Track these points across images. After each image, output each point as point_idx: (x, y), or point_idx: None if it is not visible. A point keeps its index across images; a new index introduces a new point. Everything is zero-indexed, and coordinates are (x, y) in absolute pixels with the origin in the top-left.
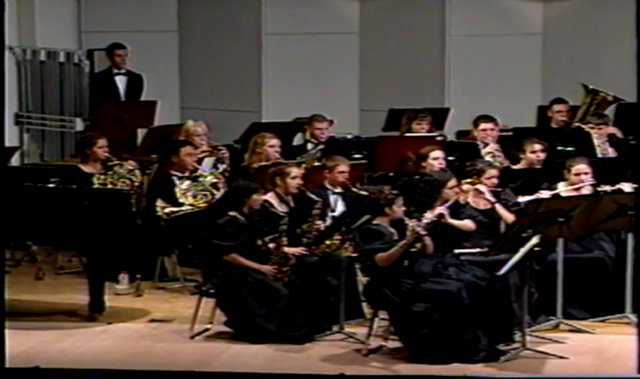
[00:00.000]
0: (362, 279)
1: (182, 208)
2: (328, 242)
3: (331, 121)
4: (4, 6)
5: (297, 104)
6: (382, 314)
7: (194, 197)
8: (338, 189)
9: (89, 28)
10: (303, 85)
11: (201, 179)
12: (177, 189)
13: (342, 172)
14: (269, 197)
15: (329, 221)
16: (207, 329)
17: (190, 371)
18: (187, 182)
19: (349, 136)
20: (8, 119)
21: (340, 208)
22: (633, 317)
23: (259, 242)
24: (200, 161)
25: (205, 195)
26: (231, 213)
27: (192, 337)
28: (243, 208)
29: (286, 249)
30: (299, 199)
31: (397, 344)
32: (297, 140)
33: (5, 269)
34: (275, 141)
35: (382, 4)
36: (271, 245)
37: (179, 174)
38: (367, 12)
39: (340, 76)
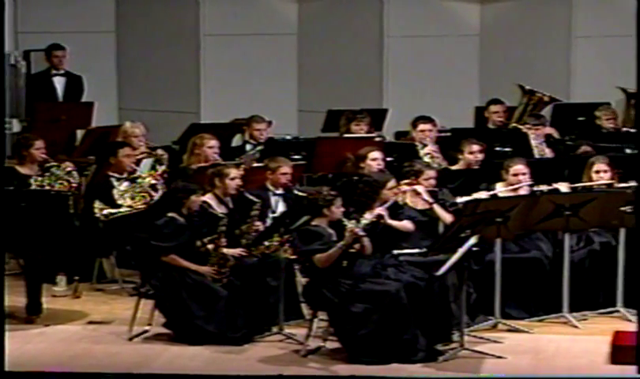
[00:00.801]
0: (301, 280)
1: (121, 210)
2: (267, 243)
3: (270, 123)
4: (4, 6)
5: (236, 105)
6: (321, 315)
7: (133, 198)
8: (280, 191)
9: (26, 29)
10: (241, 86)
11: (139, 180)
12: (115, 191)
13: (285, 174)
14: (208, 198)
15: (269, 222)
16: (146, 331)
17: (129, 373)
18: (125, 184)
19: (288, 137)
20: None
21: (280, 209)
22: (570, 317)
23: (198, 243)
24: (138, 162)
25: (143, 196)
26: (170, 214)
27: (130, 339)
28: (182, 209)
29: (225, 250)
30: (238, 200)
31: (336, 345)
32: (236, 141)
33: (4, 271)
34: (214, 142)
35: (320, 5)
36: (210, 247)
37: (117, 176)
38: (305, 13)
39: (278, 77)
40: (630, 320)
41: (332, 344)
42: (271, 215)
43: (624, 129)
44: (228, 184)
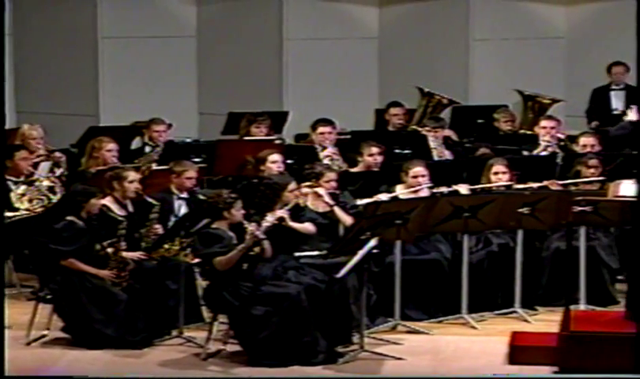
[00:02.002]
0: (201, 283)
1: (18, 213)
2: (167, 247)
3: (169, 125)
4: (4, 6)
5: (135, 108)
6: (222, 318)
7: (30, 201)
8: (184, 195)
9: None
10: (140, 89)
11: (37, 184)
12: (12, 194)
13: (190, 178)
14: (107, 201)
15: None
16: (44, 335)
17: (27, 377)
18: (23, 187)
19: (188, 140)
20: None
21: (184, 212)
22: (468, 318)
23: (97, 247)
24: (36, 165)
25: (41, 200)
26: (69, 218)
27: (28, 344)
28: (81, 212)
29: (124, 253)
30: (138, 203)
31: (237, 348)
32: (135, 143)
33: (4, 275)
34: (112, 145)
35: (218, 7)
36: (109, 250)
37: (15, 179)
38: (204, 15)
39: (178, 80)
40: (527, 321)
41: (232, 347)
42: (173, 219)
43: (522, 131)
44: (127, 187)
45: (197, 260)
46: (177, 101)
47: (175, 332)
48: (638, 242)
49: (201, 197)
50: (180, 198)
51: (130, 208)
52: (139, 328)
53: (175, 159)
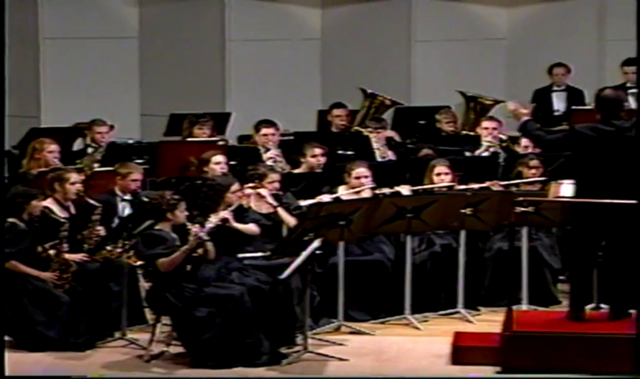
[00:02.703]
0: (144, 285)
1: None
2: (109, 248)
3: (111, 126)
4: (4, 6)
5: (77, 109)
6: (165, 320)
7: None
8: (128, 196)
9: None
10: (82, 90)
11: None
12: None
13: (135, 180)
14: (49, 202)
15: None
16: None
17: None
18: None
19: (130, 141)
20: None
21: (127, 214)
22: (411, 318)
23: (39, 249)
24: None
25: None
26: (11, 220)
27: None
28: (23, 214)
29: (67, 255)
30: (80, 205)
31: (180, 349)
32: (77, 145)
33: (4, 275)
34: (54, 147)
35: (161, 8)
36: (51, 252)
37: None
38: (145, 16)
39: (120, 81)
40: (470, 321)
41: (175, 349)
42: (117, 220)
43: (464, 132)
44: (69, 189)
45: (140, 262)
46: (119, 102)
47: (117, 334)
48: (638, 243)
49: (145, 198)
50: (124, 200)
51: (72, 210)
52: (82, 331)
53: (117, 160)
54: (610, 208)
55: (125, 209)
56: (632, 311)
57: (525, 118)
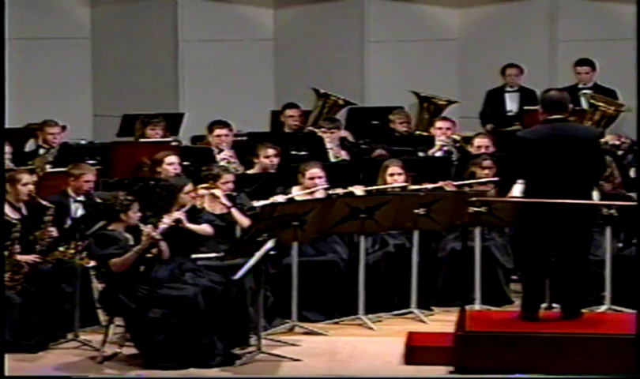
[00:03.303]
0: (97, 286)
1: None
2: (62, 249)
3: (64, 127)
4: (4, 6)
5: (29, 110)
6: (118, 321)
7: None
8: (81, 197)
9: None
10: (34, 90)
11: None
12: None
13: (88, 181)
14: None
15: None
16: None
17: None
18: None
19: (83, 142)
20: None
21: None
22: (365, 318)
23: None
24: None
25: None
26: None
27: None
28: None
29: (19, 256)
30: (33, 206)
31: (133, 351)
32: (29, 146)
33: (4, 273)
34: (6, 148)
35: (113, 9)
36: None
37: None
38: (98, 17)
39: (72, 82)
40: (423, 321)
41: (129, 350)
42: (69, 221)
43: (417, 132)
44: (20, 190)
45: (92, 263)
46: (71, 103)
47: (70, 336)
48: (638, 244)
49: (98, 199)
50: (76, 201)
51: (24, 211)
52: (34, 332)
53: (69, 161)
54: (560, 208)
55: (77, 210)
56: (584, 311)
57: None
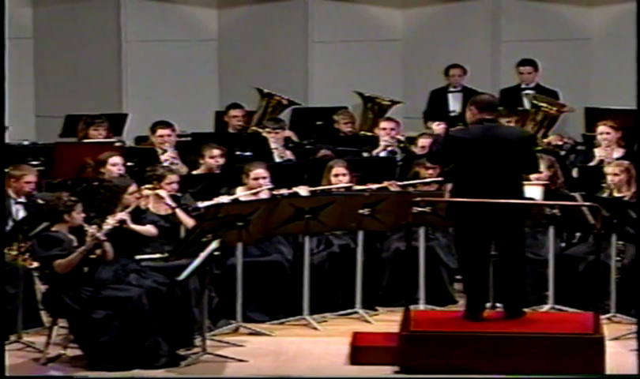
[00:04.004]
0: (40, 288)
1: None
2: (4, 251)
3: (6, 128)
4: (4, 6)
5: None
6: (62, 322)
7: None
8: (22, 199)
9: None
10: None
11: None
12: None
13: (29, 182)
14: None
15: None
16: None
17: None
18: None
19: (25, 143)
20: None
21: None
22: (310, 319)
23: None
24: None
25: None
26: None
27: None
28: None
29: None
30: None
31: (77, 352)
32: None
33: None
34: None
35: (55, 9)
36: None
37: None
38: (41, 16)
39: (15, 82)
40: (368, 321)
41: (72, 352)
42: (11, 222)
43: (362, 132)
44: None
45: (36, 264)
46: (13, 103)
47: (13, 337)
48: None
49: (40, 200)
50: (18, 202)
51: None
52: None
53: (12, 162)
54: (492, 208)
55: (19, 212)
56: (527, 310)
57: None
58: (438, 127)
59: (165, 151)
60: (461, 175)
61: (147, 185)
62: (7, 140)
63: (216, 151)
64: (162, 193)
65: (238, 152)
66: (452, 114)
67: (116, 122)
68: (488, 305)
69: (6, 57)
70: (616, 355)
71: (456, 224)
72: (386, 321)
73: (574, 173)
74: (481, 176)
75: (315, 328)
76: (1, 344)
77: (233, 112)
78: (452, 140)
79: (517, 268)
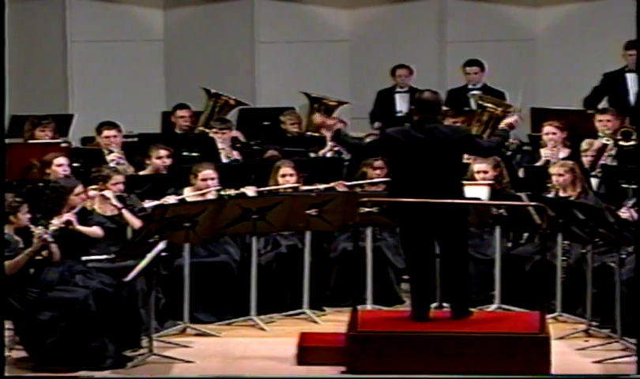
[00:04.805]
0: None
1: None
2: None
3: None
4: (4, 6)
5: None
6: (7, 324)
7: None
8: None
9: None
10: None
11: None
12: None
13: None
14: None
15: None
16: None
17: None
18: None
19: None
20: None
21: None
22: (257, 319)
23: None
24: None
25: None
26: None
27: None
28: None
29: None
30: None
31: (23, 354)
32: None
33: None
34: None
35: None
36: None
37: None
38: None
39: None
40: (315, 322)
41: (18, 353)
42: None
43: (309, 133)
44: None
45: None
46: None
47: None
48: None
49: None
50: None
51: None
52: None
53: None
54: (432, 208)
55: None
56: (474, 310)
57: (335, 127)
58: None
59: (111, 151)
60: (398, 175)
61: (93, 186)
62: None
63: (162, 152)
64: (108, 193)
65: (185, 153)
66: (399, 115)
67: (62, 123)
68: (435, 305)
69: (6, 57)
70: (562, 355)
71: (399, 224)
72: (334, 322)
73: (520, 173)
74: (418, 175)
75: (262, 329)
76: (1, 344)
77: (180, 112)
78: (388, 139)
79: (461, 268)
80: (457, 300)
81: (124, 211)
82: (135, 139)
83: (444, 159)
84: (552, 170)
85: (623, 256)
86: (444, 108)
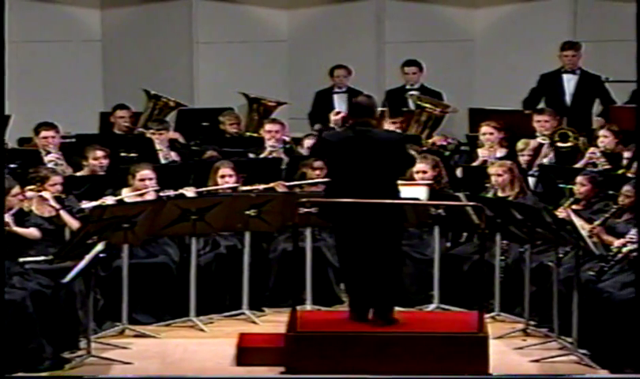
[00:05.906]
0: None
1: None
2: None
3: None
4: (4, 5)
5: None
6: None
7: None
8: None
9: None
10: None
11: None
12: None
13: None
14: None
15: None
16: None
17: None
18: None
19: None
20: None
21: None
22: (196, 320)
23: None
24: None
25: None
26: None
27: None
28: None
29: None
30: None
31: None
32: None
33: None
34: None
35: None
36: None
37: None
38: None
39: None
40: (255, 322)
41: None
42: None
43: (247, 133)
44: None
45: None
46: None
47: None
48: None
49: None
50: None
51: None
52: None
53: None
54: (366, 209)
55: None
56: (401, 313)
57: None
58: (336, 116)
59: (49, 152)
60: (333, 178)
61: (30, 187)
62: None
63: (99, 153)
64: (46, 194)
65: (123, 154)
66: None
67: None
68: None
69: (6, 57)
70: (500, 354)
71: (333, 226)
72: (273, 322)
73: (458, 173)
74: (352, 178)
75: (202, 330)
76: (1, 343)
77: (119, 113)
78: (322, 142)
79: (390, 272)
80: (381, 304)
81: (62, 212)
82: (73, 140)
83: (377, 161)
84: (491, 170)
85: (561, 255)
86: (381, 109)
